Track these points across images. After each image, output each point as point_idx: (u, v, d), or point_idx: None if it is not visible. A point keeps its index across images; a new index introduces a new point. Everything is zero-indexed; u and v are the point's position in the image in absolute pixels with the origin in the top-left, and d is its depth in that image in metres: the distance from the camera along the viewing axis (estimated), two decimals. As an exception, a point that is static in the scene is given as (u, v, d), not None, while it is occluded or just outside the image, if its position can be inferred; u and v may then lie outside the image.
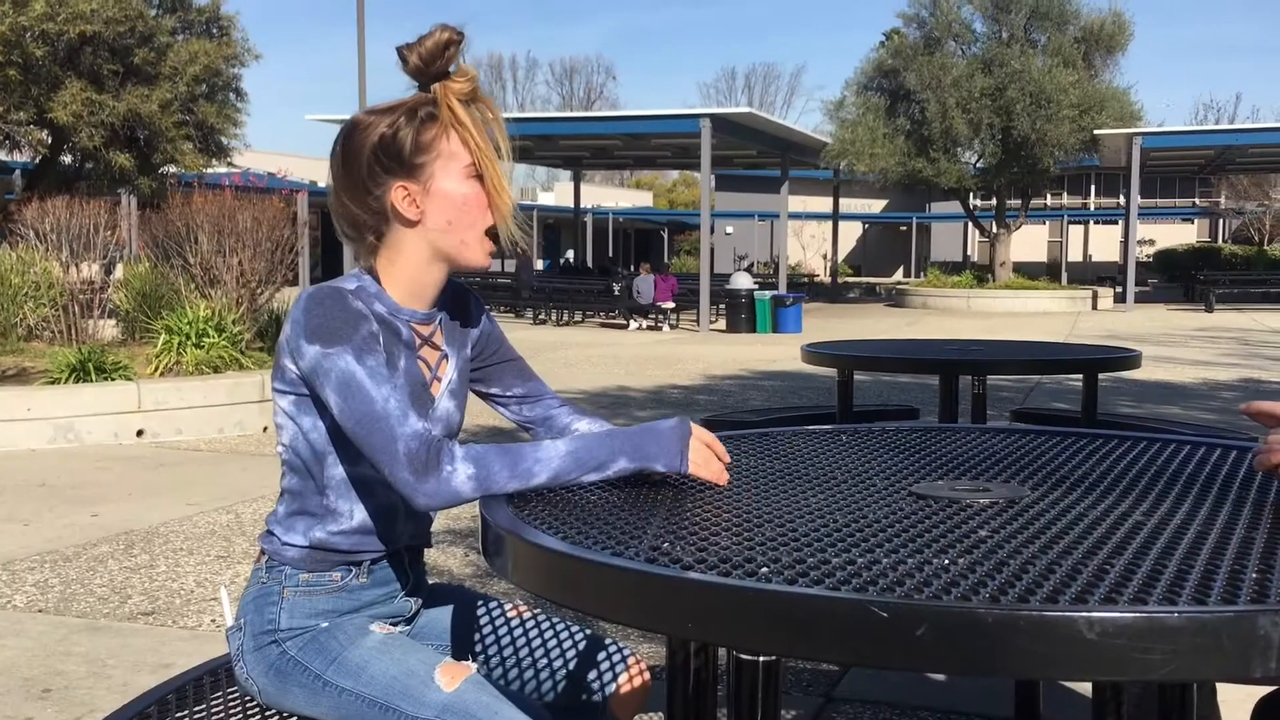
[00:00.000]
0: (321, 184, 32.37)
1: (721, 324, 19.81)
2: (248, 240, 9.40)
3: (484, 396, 1.79)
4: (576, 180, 34.29)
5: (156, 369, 7.89)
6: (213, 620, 3.65)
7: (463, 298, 1.72)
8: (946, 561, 1.07)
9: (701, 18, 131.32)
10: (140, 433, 7.20)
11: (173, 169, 16.03)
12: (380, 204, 1.55)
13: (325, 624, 1.55)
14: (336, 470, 1.55)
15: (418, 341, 1.60)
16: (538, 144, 26.26)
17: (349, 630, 1.54)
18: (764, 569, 1.05)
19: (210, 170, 16.30)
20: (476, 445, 1.41)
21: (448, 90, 1.53)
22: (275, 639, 1.54)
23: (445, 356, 1.65)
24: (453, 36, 1.52)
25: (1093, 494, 1.41)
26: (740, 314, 18.99)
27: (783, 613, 0.95)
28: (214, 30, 16.34)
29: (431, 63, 1.52)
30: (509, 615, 1.72)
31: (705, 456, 1.45)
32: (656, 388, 10.29)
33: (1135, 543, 1.14)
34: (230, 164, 17.00)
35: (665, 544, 1.16)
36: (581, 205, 35.88)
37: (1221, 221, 46.46)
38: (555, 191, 57.59)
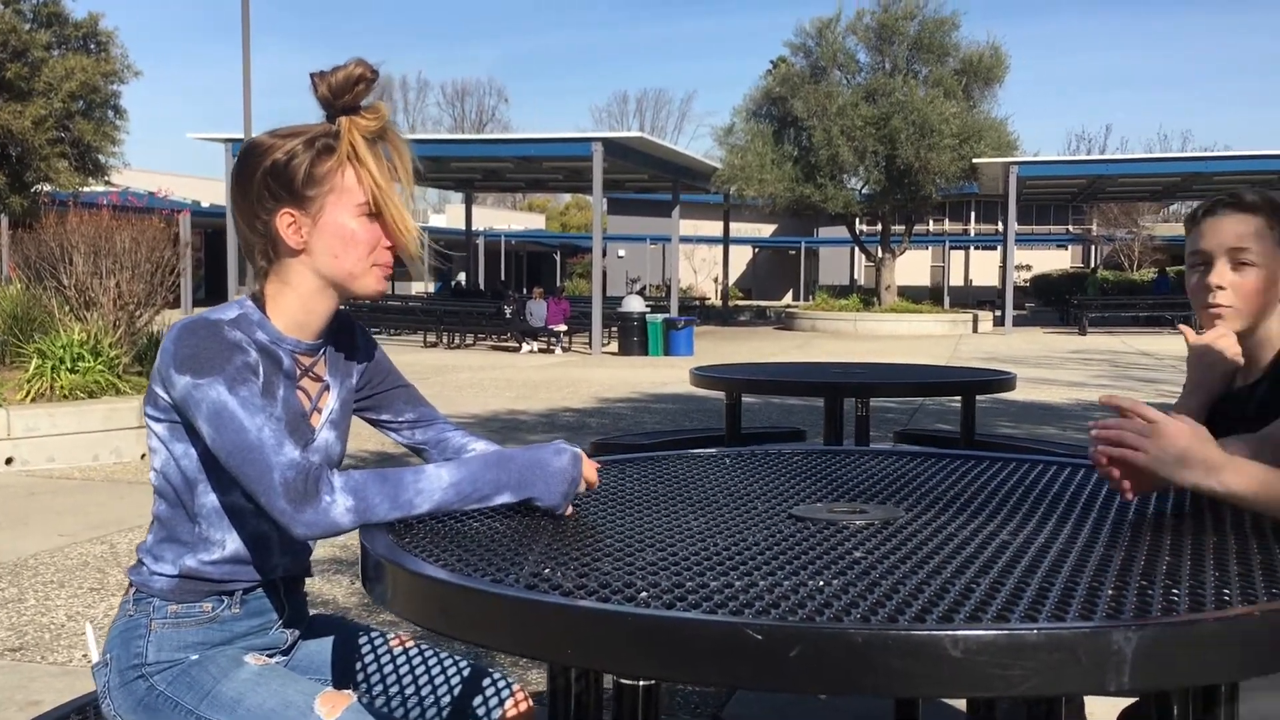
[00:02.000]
0: (205, 204, 31.58)
1: (614, 347, 19.87)
2: (126, 261, 9.10)
3: (375, 423, 1.77)
4: (468, 203, 34.10)
5: (28, 394, 7.58)
6: (84, 655, 3.52)
7: (349, 328, 1.70)
8: (821, 583, 1.10)
9: (594, 42, 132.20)
10: (9, 460, 6.90)
11: (47, 187, 15.48)
12: (267, 228, 1.53)
13: (195, 656, 1.51)
14: (208, 498, 1.52)
15: (298, 372, 1.58)
16: (429, 166, 26.03)
17: (221, 663, 1.50)
18: (643, 594, 1.06)
19: (87, 189, 15.79)
20: (357, 473, 1.39)
21: (353, 125, 1.52)
22: (142, 673, 1.50)
23: (327, 387, 1.63)
24: (365, 73, 1.51)
25: (964, 514, 1.46)
26: (632, 337, 19.07)
27: (660, 637, 0.96)
28: (92, 46, 15.87)
29: (339, 95, 1.51)
30: (391, 646, 1.70)
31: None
32: (549, 411, 10.26)
33: (1001, 562, 1.19)
34: (108, 182, 16.49)
35: (547, 570, 1.16)
36: (473, 228, 35.68)
37: (1093, 248, 48.36)
38: (447, 214, 57.19)
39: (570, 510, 1.44)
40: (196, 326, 1.45)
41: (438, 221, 55.23)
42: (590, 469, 1.48)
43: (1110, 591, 1.06)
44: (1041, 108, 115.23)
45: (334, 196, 1.52)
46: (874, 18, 27.52)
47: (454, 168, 27.00)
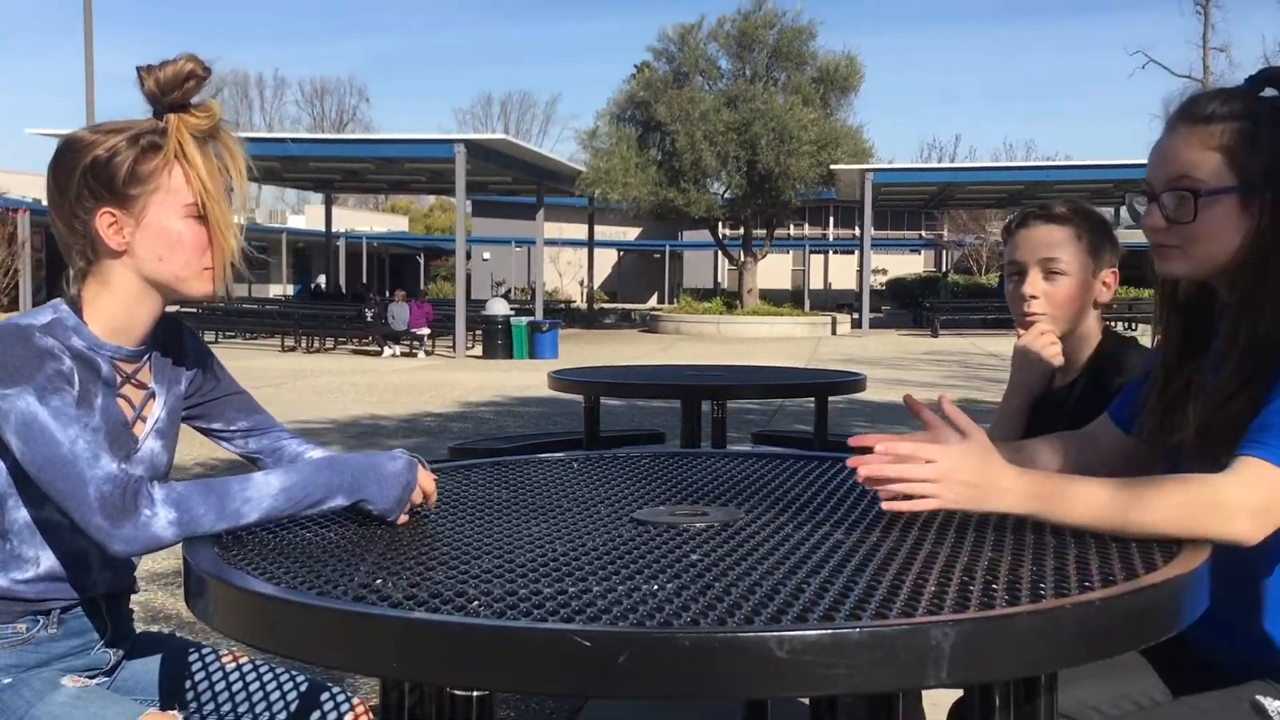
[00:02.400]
0: (45, 202, 30.08)
1: (478, 350, 19.69)
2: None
3: (206, 432, 1.71)
4: (328, 203, 33.35)
5: None
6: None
7: (176, 333, 1.63)
8: (656, 587, 1.10)
9: (458, 43, 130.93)
10: None
11: None
12: (86, 228, 1.45)
13: (8, 680, 1.43)
14: (19, 514, 1.44)
15: (119, 379, 1.51)
16: (286, 166, 25.41)
17: (36, 686, 1.42)
18: (475, 602, 1.05)
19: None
20: (180, 485, 1.34)
21: (182, 123, 1.46)
22: (-49, 701, 1.41)
23: (152, 395, 1.57)
24: (196, 69, 1.45)
25: (802, 515, 1.48)
26: (497, 340, 18.93)
27: (488, 647, 0.94)
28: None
29: (168, 91, 1.45)
30: (224, 663, 1.64)
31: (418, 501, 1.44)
32: (410, 416, 10.10)
33: (833, 561, 1.20)
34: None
35: (379, 580, 1.13)
36: (334, 229, 34.92)
37: (944, 253, 50.09)
38: (306, 214, 55.83)
39: (405, 518, 1.41)
40: (4, 333, 1.37)
41: (296, 223, 53.89)
42: (426, 478, 1.45)
43: (933, 588, 1.08)
44: (895, 117, 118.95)
45: (159, 196, 1.45)
46: (735, 25, 27.98)
47: (313, 168, 26.38)
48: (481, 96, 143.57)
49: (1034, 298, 2.02)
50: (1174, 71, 43.59)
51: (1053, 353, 2.06)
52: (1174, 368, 1.58)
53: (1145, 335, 2.12)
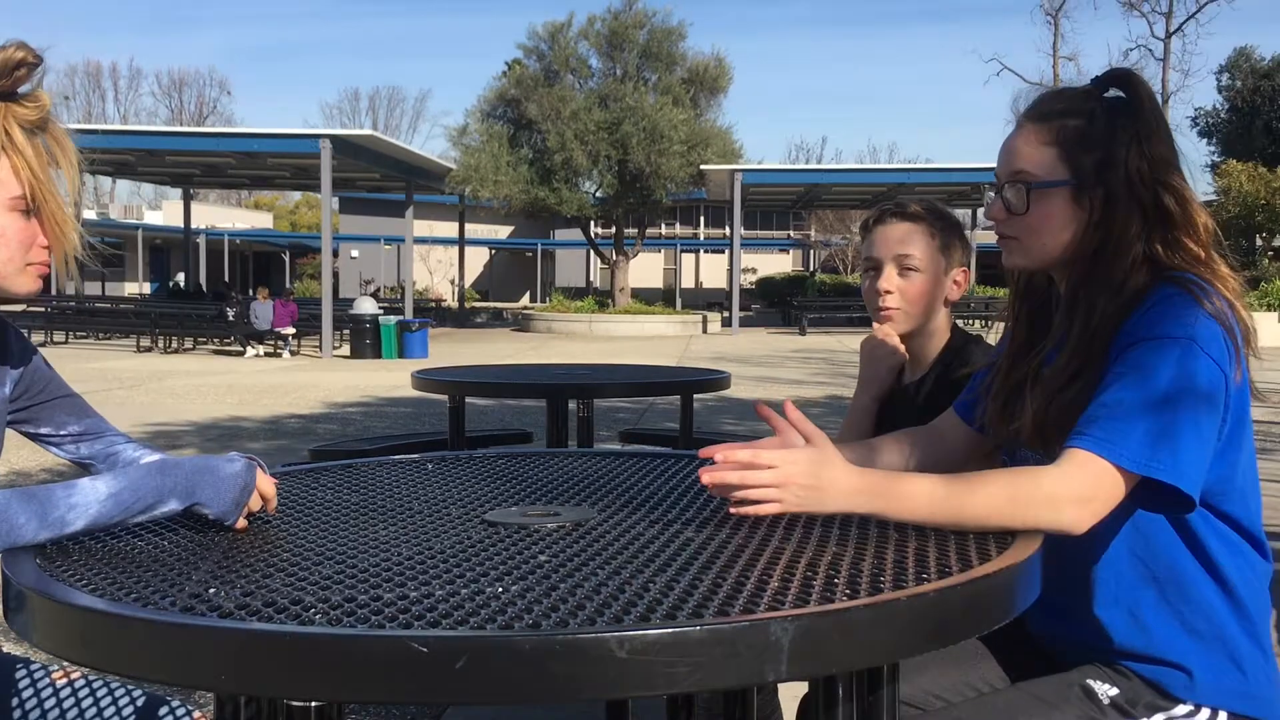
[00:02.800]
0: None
1: (346, 350, 19.29)
2: None
3: (34, 437, 1.62)
4: (186, 199, 32.23)
5: None
6: None
7: (1, 333, 1.54)
8: (500, 590, 1.08)
9: (325, 36, 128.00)
10: None
11: None
12: None
13: None
14: None
15: (-64, 380, 1.42)
16: (141, 159, 24.45)
17: None
18: (311, 610, 1.01)
19: None
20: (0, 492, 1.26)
21: (9, 113, 1.38)
22: None
23: (-26, 395, 1.48)
24: (27, 57, 1.37)
25: (654, 513, 1.48)
26: (365, 339, 18.57)
27: (320, 656, 0.92)
28: None
29: None
30: (54, 680, 1.55)
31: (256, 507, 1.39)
32: (273, 417, 9.83)
33: (681, 559, 1.21)
34: None
35: (212, 590, 1.09)
36: (193, 225, 33.77)
37: (812, 252, 51.13)
38: (164, 210, 53.88)
39: (244, 523, 1.36)
40: None
41: (154, 219, 52.00)
42: (266, 482, 1.40)
43: (777, 585, 1.10)
44: (764, 119, 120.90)
45: None
46: (605, 24, 28.03)
47: (170, 162, 25.43)
48: (349, 91, 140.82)
49: (889, 292, 2.07)
50: (1026, 79, 45.29)
51: (893, 347, 2.12)
52: (1018, 357, 1.63)
53: (995, 334, 2.19)
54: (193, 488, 1.33)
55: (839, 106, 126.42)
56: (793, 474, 1.34)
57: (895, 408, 2.09)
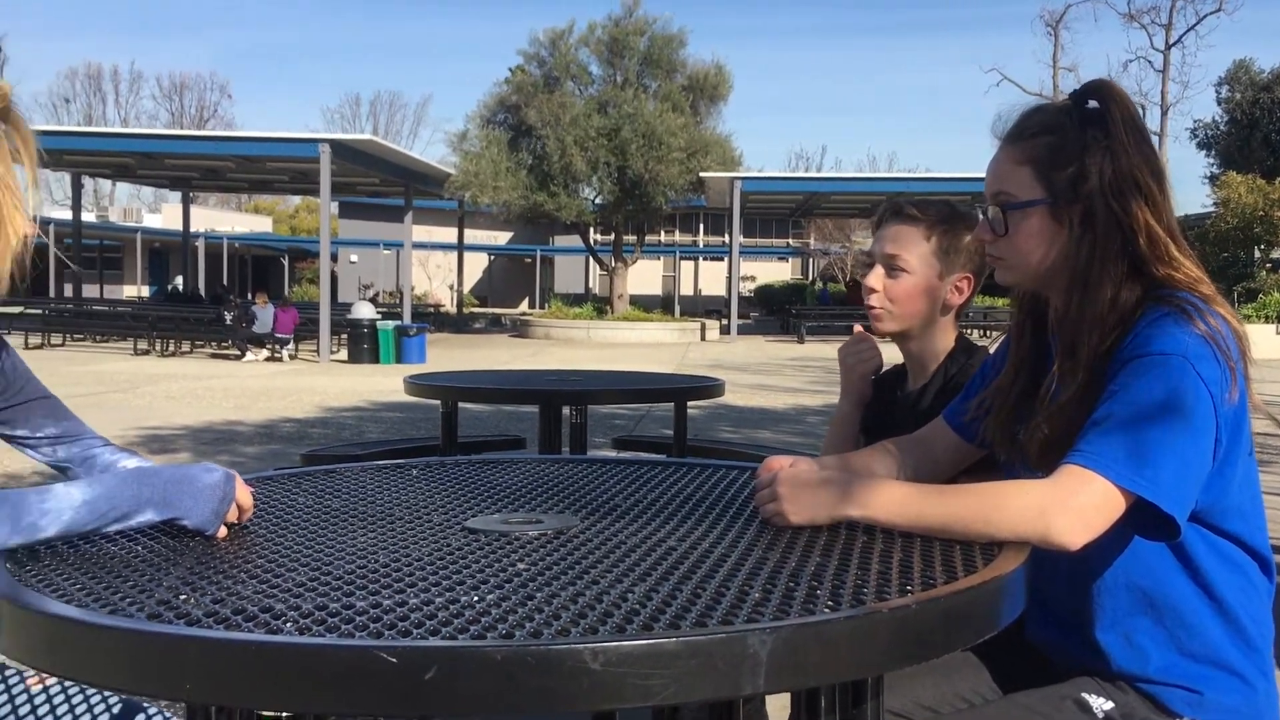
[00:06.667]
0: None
1: (343, 354, 19.26)
2: None
3: (10, 440, 1.60)
4: (186, 202, 32.22)
5: None
6: None
7: None
8: (476, 598, 1.06)
9: (326, 40, 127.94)
10: None
11: None
12: None
13: None
14: None
15: (-90, 380, 1.40)
16: (141, 162, 24.44)
17: None
18: (281, 619, 0.99)
19: None
20: (-29, 497, 1.24)
21: None
22: None
23: (-50, 397, 1.46)
24: None
25: (638, 522, 1.46)
26: (362, 344, 18.54)
27: (286, 666, 0.90)
28: None
29: None
30: (28, 685, 1.53)
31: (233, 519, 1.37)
32: (268, 421, 9.80)
33: (661, 569, 1.19)
34: None
35: (182, 597, 1.07)
36: (192, 229, 33.76)
37: (811, 260, 51.11)
38: (163, 213, 53.84)
39: (224, 532, 1.34)
40: None
41: (153, 221, 51.93)
42: (244, 493, 1.38)
43: (758, 595, 1.07)
44: (764, 127, 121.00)
45: None
46: (606, 31, 28.02)
47: (169, 165, 25.44)
48: (350, 95, 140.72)
49: (873, 290, 2.05)
50: (1026, 89, 45.34)
51: (869, 354, 2.10)
52: (1020, 372, 1.61)
53: (996, 344, 2.17)
54: (171, 499, 1.31)
55: (839, 115, 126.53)
56: (778, 486, 1.39)
57: (894, 416, 2.06)
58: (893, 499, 1.34)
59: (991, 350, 1.82)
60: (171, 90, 77.42)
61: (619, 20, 28.08)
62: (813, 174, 41.54)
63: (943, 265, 2.02)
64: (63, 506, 1.26)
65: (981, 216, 1.58)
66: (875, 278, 2.04)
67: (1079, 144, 1.46)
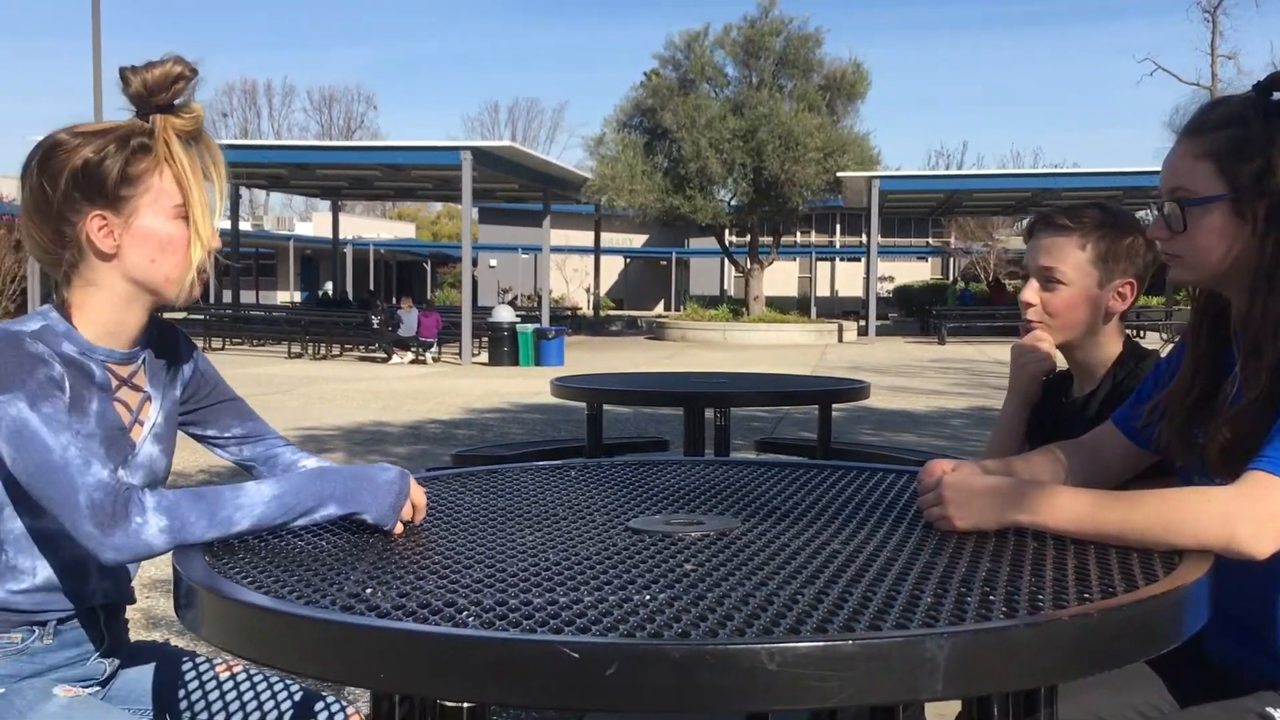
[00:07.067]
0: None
1: (484, 357, 19.68)
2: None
3: (200, 439, 1.70)
4: (335, 211, 33.41)
5: None
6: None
7: (171, 337, 1.62)
8: (648, 598, 1.08)
9: (465, 50, 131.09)
10: None
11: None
12: (74, 232, 1.44)
13: (1, 690, 1.42)
14: (15, 524, 1.42)
15: (114, 383, 1.50)
16: (293, 173, 25.44)
17: (29, 695, 1.41)
18: (464, 613, 1.03)
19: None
20: (171, 492, 1.32)
21: (169, 124, 1.45)
22: (-57, 710, 1.40)
23: (149, 398, 1.56)
24: (184, 71, 1.45)
25: (799, 524, 1.46)
26: (503, 347, 18.92)
27: (476, 658, 0.93)
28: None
29: (156, 93, 1.44)
30: (218, 672, 1.62)
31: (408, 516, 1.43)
32: (414, 423, 10.09)
33: (829, 571, 1.19)
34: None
35: (369, 590, 1.12)
36: (341, 236, 34.98)
37: (951, 260, 50.00)
38: (314, 221, 55.96)
39: (400, 529, 1.40)
40: None
41: (304, 229, 54.03)
42: (418, 491, 1.44)
43: (929, 599, 1.07)
44: (902, 124, 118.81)
45: (150, 198, 1.44)
46: (741, 32, 27.96)
47: (320, 175, 26.41)
48: (489, 103, 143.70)
49: (1029, 305, 2.01)
50: (1182, 79, 43.56)
51: (1043, 355, 2.05)
52: (1197, 376, 1.56)
53: (1150, 345, 2.10)
54: (352, 494, 1.38)
55: (981, 110, 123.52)
56: (944, 490, 1.37)
57: (1061, 422, 2.01)
58: (1066, 505, 1.32)
59: (1163, 354, 1.76)
60: (321, 103, 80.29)
61: (755, 21, 27.98)
62: (953, 172, 40.66)
63: (1101, 273, 1.96)
64: (254, 501, 1.33)
65: (1156, 213, 1.53)
66: (1031, 291, 2.00)
67: (1264, 137, 1.40)
